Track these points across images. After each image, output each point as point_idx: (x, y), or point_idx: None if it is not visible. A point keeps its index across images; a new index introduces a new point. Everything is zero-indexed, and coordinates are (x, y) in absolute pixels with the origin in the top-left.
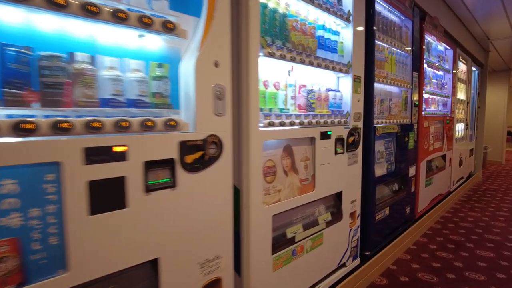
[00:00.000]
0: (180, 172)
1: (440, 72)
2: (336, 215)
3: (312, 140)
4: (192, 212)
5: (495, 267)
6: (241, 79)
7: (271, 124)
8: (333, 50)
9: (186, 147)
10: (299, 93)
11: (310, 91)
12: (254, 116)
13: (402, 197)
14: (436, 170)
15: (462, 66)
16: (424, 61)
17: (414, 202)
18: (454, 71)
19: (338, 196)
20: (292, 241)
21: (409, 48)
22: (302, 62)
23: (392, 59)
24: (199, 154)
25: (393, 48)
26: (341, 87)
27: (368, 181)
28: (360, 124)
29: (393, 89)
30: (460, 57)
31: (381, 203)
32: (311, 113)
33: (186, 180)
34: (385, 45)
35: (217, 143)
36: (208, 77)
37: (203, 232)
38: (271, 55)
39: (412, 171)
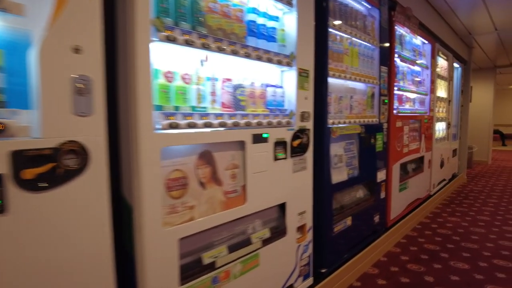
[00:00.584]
0: (15, 192)
1: (417, 68)
2: (278, 231)
3: (242, 144)
4: (39, 247)
5: (469, 281)
6: (125, 70)
7: (173, 126)
8: (271, 38)
9: (23, 159)
10: (222, 88)
11: (238, 86)
12: (145, 116)
13: (369, 204)
14: (412, 173)
15: (442, 62)
16: (396, 55)
17: (385, 209)
18: (433, 67)
19: (281, 208)
20: (211, 267)
21: (376, 40)
22: (221, 50)
23: (353, 51)
24: (47, 167)
25: (354, 39)
26: (285, 83)
27: (322, 189)
28: (309, 125)
29: (357, 85)
30: (440, 53)
31: (341, 213)
32: (240, 112)
33: (26, 202)
34: (344, 35)
35: (79, 151)
36: (62, 66)
37: (64, 275)
38: (171, 40)
39: (381, 175)
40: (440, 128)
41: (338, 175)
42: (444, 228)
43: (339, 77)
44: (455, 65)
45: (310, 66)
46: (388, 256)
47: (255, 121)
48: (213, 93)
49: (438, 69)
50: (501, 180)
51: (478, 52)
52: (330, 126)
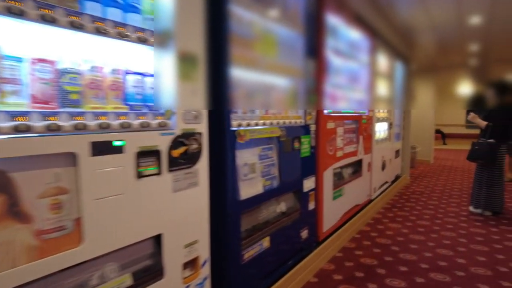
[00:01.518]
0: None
1: (354, 64)
2: (150, 273)
3: (72, 158)
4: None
5: None
6: None
7: None
8: (130, 7)
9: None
10: (32, 73)
11: (65, 72)
12: None
13: (294, 218)
14: (349, 178)
15: (383, 60)
16: (327, 46)
17: (316, 222)
18: (372, 64)
19: (156, 241)
20: None
21: (301, 28)
22: (15, 13)
23: (269, 38)
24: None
25: (270, 24)
26: (160, 70)
27: (225, 208)
28: (201, 128)
29: (276, 79)
30: (381, 49)
31: (254, 234)
32: (69, 110)
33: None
34: (254, 15)
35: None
36: None
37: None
38: None
39: (309, 184)
40: (381, 128)
41: (250, 189)
42: (384, 237)
43: (248, 68)
44: (397, 63)
45: (198, 49)
46: (319, 275)
47: (95, 122)
48: (10, 81)
49: (378, 67)
50: (441, 180)
51: (420, 52)
52: (236, 128)
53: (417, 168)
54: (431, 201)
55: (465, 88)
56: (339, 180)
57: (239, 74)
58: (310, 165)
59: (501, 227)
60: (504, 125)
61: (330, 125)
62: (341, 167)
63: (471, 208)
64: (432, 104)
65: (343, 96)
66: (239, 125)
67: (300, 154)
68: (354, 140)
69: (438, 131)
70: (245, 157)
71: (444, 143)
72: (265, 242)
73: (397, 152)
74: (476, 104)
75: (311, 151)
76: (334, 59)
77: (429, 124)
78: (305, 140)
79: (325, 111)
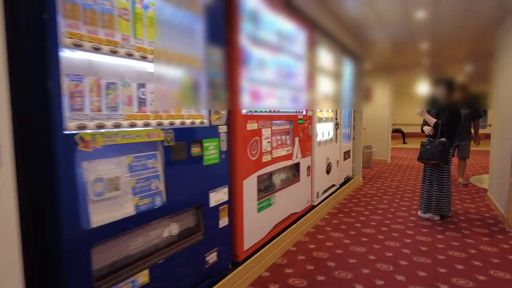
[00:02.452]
0: None
1: (287, 58)
2: None
3: None
4: None
5: None
6: None
7: None
8: None
9: None
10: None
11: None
12: None
13: (195, 241)
14: (282, 185)
15: (328, 56)
16: (244, 34)
17: (231, 241)
18: (310, 59)
19: None
20: None
21: (199, 7)
22: None
23: (145, 16)
24: None
25: None
26: None
27: (57, 244)
28: None
29: (158, 68)
30: (323, 44)
31: (120, 271)
32: None
33: None
34: None
35: None
36: None
37: None
38: None
39: (219, 197)
40: (325, 129)
41: (110, 212)
42: (322, 249)
43: (100, 50)
44: (347, 61)
45: None
46: None
47: None
48: None
49: (319, 63)
50: (396, 180)
51: (373, 50)
52: (75, 132)
53: (373, 168)
54: (381, 205)
55: (423, 87)
56: (268, 188)
57: (93, 58)
58: (221, 174)
59: (447, 233)
60: (452, 124)
61: (252, 126)
62: (270, 173)
63: (419, 213)
64: (389, 104)
65: (271, 94)
66: (82, 127)
67: (202, 162)
68: (287, 142)
69: (398, 131)
70: (101, 170)
71: (404, 142)
72: (141, 278)
73: (346, 153)
74: (432, 104)
75: (221, 157)
76: (255, 50)
77: (386, 124)
78: (210, 144)
79: (244, 110)
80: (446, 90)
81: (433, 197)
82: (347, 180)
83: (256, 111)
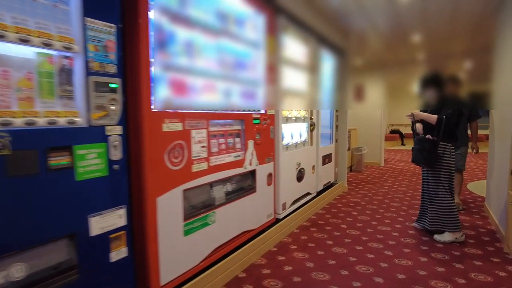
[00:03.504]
0: None
1: (236, 45)
2: None
3: None
4: None
5: None
6: None
7: None
8: None
9: None
10: None
11: None
12: None
13: (64, 283)
14: (228, 199)
15: (298, 47)
16: (157, 7)
17: (134, 277)
18: (270, 48)
19: None
20: None
21: None
22: None
23: None
24: None
25: None
26: None
27: None
28: None
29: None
30: (290, 32)
31: None
32: None
33: None
34: None
35: None
36: None
37: None
38: None
39: (109, 222)
40: (295, 130)
41: None
42: (277, 276)
43: None
44: (326, 54)
45: None
46: None
47: None
48: None
49: (288, 54)
50: (385, 186)
51: (360, 42)
52: None
53: (363, 172)
54: (363, 216)
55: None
56: (204, 203)
57: None
58: (111, 192)
59: (433, 254)
60: (454, 120)
61: (172, 126)
62: (209, 185)
63: (415, 223)
64: (383, 103)
65: (210, 87)
66: None
67: (74, 176)
68: (236, 146)
69: (396, 131)
70: None
71: (403, 144)
72: None
73: (327, 157)
74: (424, 105)
75: (112, 168)
76: (181, 31)
77: (378, 124)
78: (88, 151)
79: (157, 105)
80: (436, 90)
81: (428, 208)
82: (328, 186)
83: (180, 108)
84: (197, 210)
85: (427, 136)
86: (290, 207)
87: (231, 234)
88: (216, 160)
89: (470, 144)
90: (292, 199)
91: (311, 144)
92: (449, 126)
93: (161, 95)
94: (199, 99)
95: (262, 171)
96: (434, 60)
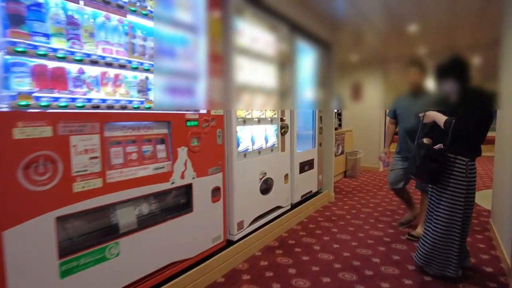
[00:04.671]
0: None
1: (158, 26)
2: None
3: None
4: None
5: None
6: None
7: None
8: None
9: None
10: None
11: None
12: None
13: None
14: (145, 224)
15: (260, 34)
16: None
17: None
18: (213, 33)
19: None
20: None
21: None
22: None
23: None
24: None
25: None
26: None
27: None
28: None
29: None
30: (248, 15)
31: None
32: None
33: None
34: None
35: None
36: None
37: None
38: None
39: None
40: (258, 134)
41: None
42: None
43: None
44: (304, 46)
45: None
46: None
47: None
48: None
49: (245, 42)
50: (379, 195)
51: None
52: None
53: (358, 178)
54: (343, 234)
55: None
56: (101, 232)
57: None
58: None
59: None
60: (472, 127)
61: (31, 132)
62: (110, 208)
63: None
64: (383, 103)
65: (105, 76)
66: None
67: None
68: (158, 156)
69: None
70: None
71: None
72: None
73: (307, 163)
74: (440, 103)
75: None
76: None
77: (377, 125)
78: None
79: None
80: (456, 81)
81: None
82: (309, 197)
83: (57, 107)
84: (86, 242)
85: (424, 140)
86: (250, 225)
87: (149, 268)
88: (120, 175)
89: None
90: (254, 215)
91: (282, 150)
92: (463, 133)
93: (18, 88)
94: (89, 96)
95: (203, 185)
96: (436, 55)
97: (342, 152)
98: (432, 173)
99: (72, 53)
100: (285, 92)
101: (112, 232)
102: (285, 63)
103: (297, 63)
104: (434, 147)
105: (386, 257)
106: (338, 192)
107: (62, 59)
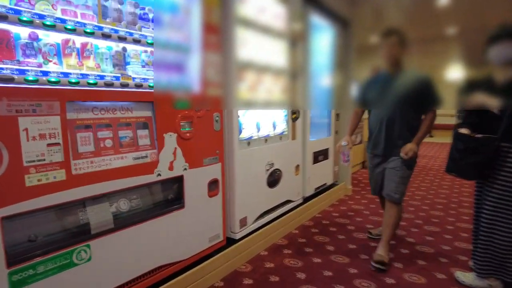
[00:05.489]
0: None
1: None
2: None
3: None
4: None
5: None
6: None
7: None
8: None
9: None
10: None
11: None
12: None
13: None
14: (123, 224)
15: (269, 4)
16: None
17: None
18: (208, 3)
19: None
20: None
21: None
22: None
23: None
24: None
25: None
26: None
27: None
28: None
29: None
30: None
31: None
32: None
33: None
34: None
35: None
36: None
37: None
38: None
39: None
40: (263, 120)
41: None
42: None
43: None
44: (320, 22)
45: None
46: None
47: None
48: None
49: (249, 11)
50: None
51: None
52: None
53: None
54: (360, 233)
55: (453, 71)
56: (66, 233)
57: None
58: None
59: None
60: None
61: None
62: (79, 204)
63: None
64: None
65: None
66: None
67: None
68: (139, 143)
69: None
70: None
71: (431, 135)
72: None
73: (321, 153)
74: (474, 88)
75: None
76: None
77: None
78: None
79: None
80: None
81: (480, 241)
82: (323, 189)
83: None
84: (46, 246)
85: (462, 130)
86: (255, 222)
87: (130, 274)
88: (89, 166)
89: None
90: (259, 211)
91: (293, 138)
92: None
93: None
94: (47, 69)
95: (197, 177)
96: (467, 36)
97: (360, 142)
98: (477, 166)
99: (18, 12)
100: (296, 72)
101: (81, 234)
102: (297, 40)
103: (311, 41)
104: (459, 131)
105: (410, 262)
106: (356, 184)
107: (2, 18)
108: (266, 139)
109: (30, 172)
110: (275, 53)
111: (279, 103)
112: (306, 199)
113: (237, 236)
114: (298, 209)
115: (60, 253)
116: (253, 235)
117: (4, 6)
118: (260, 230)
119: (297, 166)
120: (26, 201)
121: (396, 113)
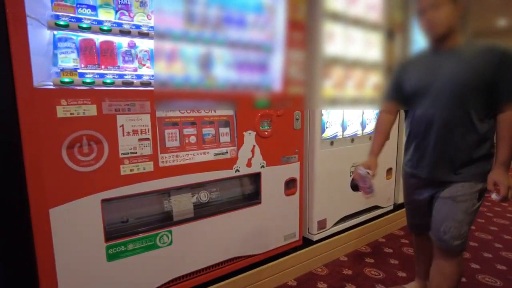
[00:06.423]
0: None
1: None
2: None
3: None
4: None
5: None
6: None
7: None
8: None
9: None
10: None
11: None
12: None
13: None
14: (203, 214)
15: None
16: None
17: None
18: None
19: None
20: None
21: None
22: None
23: None
24: None
25: None
26: None
27: None
28: None
29: None
30: None
31: None
32: None
33: None
34: None
35: None
36: None
37: None
38: None
39: None
40: (349, 118)
41: None
42: None
43: None
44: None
45: None
46: None
47: None
48: None
49: (337, 5)
50: (484, 208)
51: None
52: None
53: None
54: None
55: None
56: (152, 218)
57: None
58: None
59: None
60: None
61: (75, 110)
62: (165, 194)
63: None
64: None
65: (173, 53)
66: None
67: None
68: (221, 140)
69: None
70: None
71: None
72: None
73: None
74: None
75: None
76: None
77: None
78: None
79: (39, 81)
80: None
81: None
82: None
83: (90, 82)
84: (135, 227)
85: None
86: (336, 225)
87: (206, 261)
88: (175, 159)
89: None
90: (341, 215)
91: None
92: None
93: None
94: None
95: (275, 175)
96: None
97: None
98: None
99: (119, 24)
100: (392, 67)
101: (165, 220)
102: (395, 31)
103: (412, 32)
104: None
105: None
106: None
107: (107, 31)
108: (353, 138)
109: (124, 163)
110: (366, 46)
111: (370, 101)
112: (398, 207)
113: (315, 238)
114: (387, 216)
115: (147, 235)
116: (333, 238)
117: (109, 21)
118: (341, 234)
119: (389, 170)
120: (120, 187)
121: (454, 111)
